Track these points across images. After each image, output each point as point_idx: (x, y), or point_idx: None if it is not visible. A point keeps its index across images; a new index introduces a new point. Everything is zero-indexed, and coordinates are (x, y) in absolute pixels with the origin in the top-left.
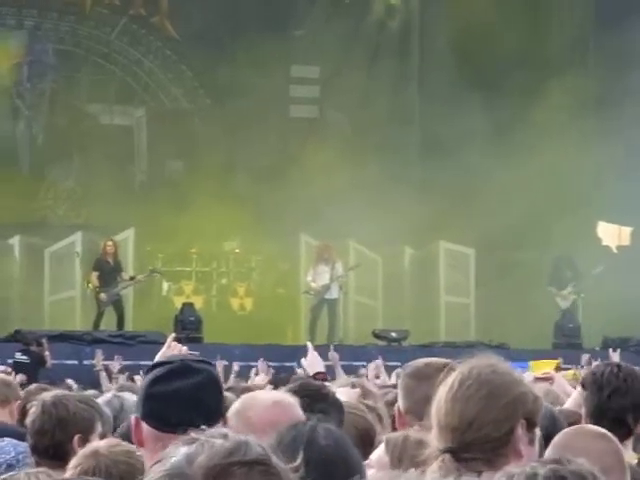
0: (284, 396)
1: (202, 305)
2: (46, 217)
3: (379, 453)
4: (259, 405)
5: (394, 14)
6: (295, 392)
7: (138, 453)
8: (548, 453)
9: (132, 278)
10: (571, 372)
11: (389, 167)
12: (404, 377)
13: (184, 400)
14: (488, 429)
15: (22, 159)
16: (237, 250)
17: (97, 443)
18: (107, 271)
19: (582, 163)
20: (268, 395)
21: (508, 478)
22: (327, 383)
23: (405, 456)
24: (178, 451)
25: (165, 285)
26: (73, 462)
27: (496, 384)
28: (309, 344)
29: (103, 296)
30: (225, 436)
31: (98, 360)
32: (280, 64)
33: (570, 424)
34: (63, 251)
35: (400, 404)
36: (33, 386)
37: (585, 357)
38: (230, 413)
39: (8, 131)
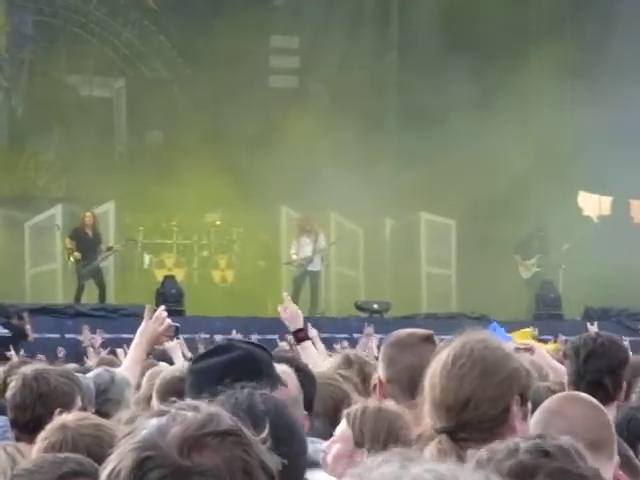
0: (283, 366)
1: (183, 278)
2: (26, 190)
3: (342, 427)
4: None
5: None
6: None
7: (108, 427)
8: (536, 418)
9: (109, 249)
10: (553, 345)
11: (370, 138)
12: (386, 347)
13: (216, 374)
14: (484, 407)
15: (1, 131)
16: (218, 222)
17: (65, 416)
18: (86, 243)
19: (563, 132)
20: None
21: (491, 453)
22: (307, 341)
23: (366, 429)
24: (148, 423)
25: (146, 258)
26: (41, 435)
27: (490, 361)
28: (285, 294)
29: (83, 271)
30: (196, 408)
31: (85, 336)
32: (260, 34)
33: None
34: (43, 224)
35: (381, 374)
36: (15, 359)
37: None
38: None
39: None
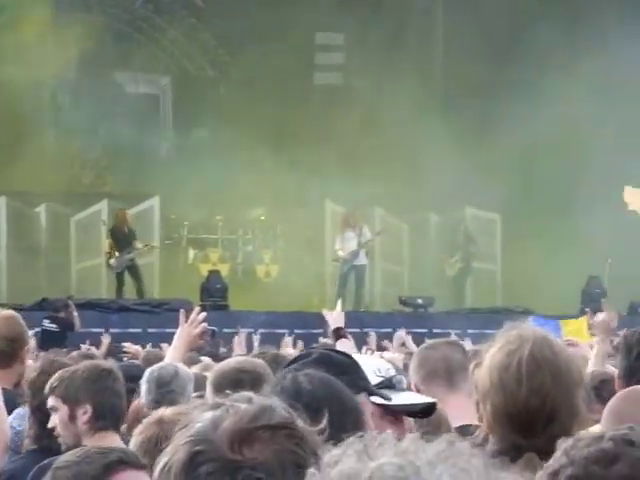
0: (388, 355)
1: (228, 272)
2: (72, 186)
3: None
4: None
5: None
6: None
7: None
8: (606, 420)
9: (144, 246)
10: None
11: (414, 133)
12: (417, 354)
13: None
14: (566, 419)
15: (48, 128)
16: (263, 217)
17: (163, 411)
18: (123, 240)
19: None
20: (370, 358)
21: (575, 441)
22: (345, 339)
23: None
24: (203, 416)
25: (191, 253)
26: (138, 429)
27: (564, 370)
28: (339, 302)
29: (113, 262)
30: (250, 400)
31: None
32: (305, 31)
33: (602, 382)
34: (89, 219)
35: (414, 379)
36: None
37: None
38: None
39: (35, 100)
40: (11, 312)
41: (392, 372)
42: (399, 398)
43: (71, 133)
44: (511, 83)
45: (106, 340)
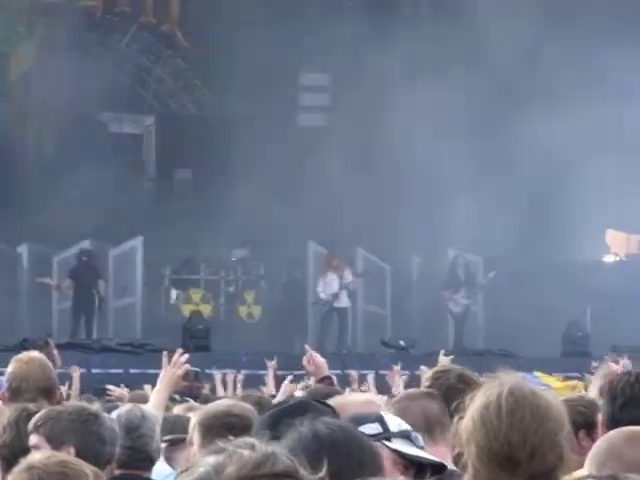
0: (371, 395)
1: (210, 313)
2: (54, 225)
3: None
4: (354, 404)
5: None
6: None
7: (74, 463)
8: (591, 455)
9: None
10: (581, 384)
11: (397, 176)
12: (395, 403)
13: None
14: (549, 456)
15: (31, 168)
16: (245, 258)
17: (32, 456)
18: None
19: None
20: (358, 396)
21: None
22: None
23: None
24: (206, 461)
25: (173, 293)
26: (9, 478)
27: (544, 407)
28: (307, 346)
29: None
30: (252, 447)
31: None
32: (289, 72)
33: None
34: (71, 259)
35: None
36: None
37: (594, 364)
38: None
39: (17, 139)
40: (41, 356)
41: (410, 428)
42: (413, 451)
43: (54, 172)
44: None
45: (76, 374)
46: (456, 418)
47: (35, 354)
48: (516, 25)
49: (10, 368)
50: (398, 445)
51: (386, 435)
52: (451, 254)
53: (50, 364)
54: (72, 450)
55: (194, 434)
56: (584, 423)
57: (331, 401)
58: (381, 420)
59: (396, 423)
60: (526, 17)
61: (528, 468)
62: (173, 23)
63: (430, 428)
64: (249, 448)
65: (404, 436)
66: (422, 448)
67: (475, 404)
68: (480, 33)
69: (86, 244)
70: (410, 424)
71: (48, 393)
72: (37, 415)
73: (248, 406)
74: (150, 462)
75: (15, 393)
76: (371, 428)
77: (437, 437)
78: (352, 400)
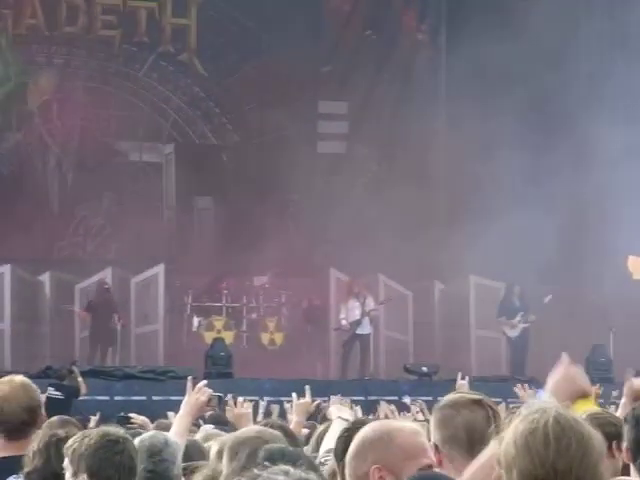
0: (415, 424)
1: (232, 340)
2: (75, 253)
3: None
4: (405, 432)
5: (421, 49)
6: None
7: None
8: None
9: None
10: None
11: (418, 201)
12: (438, 410)
13: None
14: None
15: (51, 196)
16: (267, 285)
17: None
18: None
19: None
20: (404, 424)
21: None
22: None
23: None
24: None
25: (195, 321)
26: None
27: (587, 437)
28: (307, 387)
29: None
30: (287, 473)
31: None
32: (308, 100)
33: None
34: (93, 287)
35: (435, 437)
36: (55, 419)
37: (614, 393)
38: (370, 443)
39: (38, 169)
40: (24, 378)
41: None
42: None
43: (74, 201)
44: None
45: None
46: (494, 441)
47: (17, 377)
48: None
49: None
50: None
51: None
52: (473, 280)
53: (34, 385)
54: (84, 477)
55: (224, 459)
56: (616, 434)
57: (378, 426)
58: None
59: None
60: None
61: None
62: (191, 52)
63: (472, 441)
64: (284, 474)
65: None
66: None
67: (516, 429)
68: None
69: (108, 272)
70: (451, 434)
71: (31, 413)
72: (71, 439)
73: (277, 432)
74: None
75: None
76: None
77: (477, 453)
78: (399, 427)
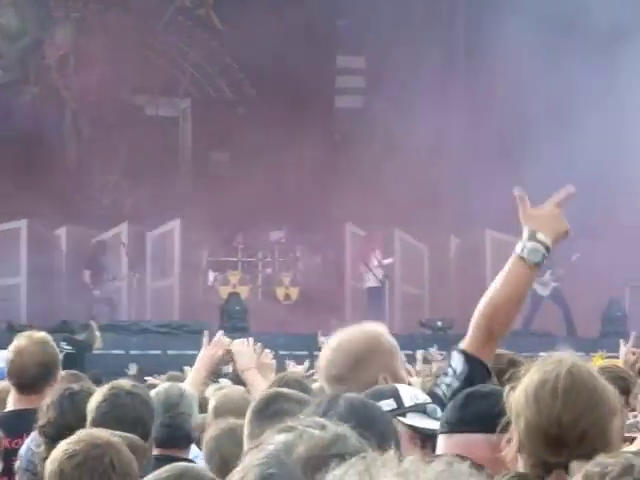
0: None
1: (247, 295)
2: (91, 208)
3: None
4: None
5: (440, 2)
6: None
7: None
8: None
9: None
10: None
11: (435, 157)
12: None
13: None
14: (597, 440)
15: (68, 152)
16: (283, 240)
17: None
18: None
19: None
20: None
21: (602, 468)
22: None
23: None
24: (275, 439)
25: (210, 275)
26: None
27: (601, 389)
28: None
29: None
30: (323, 427)
31: None
32: (325, 54)
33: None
34: (109, 242)
35: None
36: (63, 373)
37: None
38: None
39: (55, 123)
40: (43, 335)
41: (427, 400)
42: (430, 424)
43: (91, 155)
44: None
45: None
46: (507, 388)
47: (38, 333)
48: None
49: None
50: (412, 420)
51: (400, 411)
52: (489, 234)
53: (52, 343)
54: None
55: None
56: (625, 389)
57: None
58: (396, 395)
59: (411, 396)
60: None
61: (574, 450)
62: (208, 7)
63: None
64: (320, 428)
65: (419, 410)
66: (439, 419)
67: (530, 379)
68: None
69: (124, 227)
70: None
71: (45, 369)
72: None
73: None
74: (188, 441)
75: (12, 367)
76: (386, 404)
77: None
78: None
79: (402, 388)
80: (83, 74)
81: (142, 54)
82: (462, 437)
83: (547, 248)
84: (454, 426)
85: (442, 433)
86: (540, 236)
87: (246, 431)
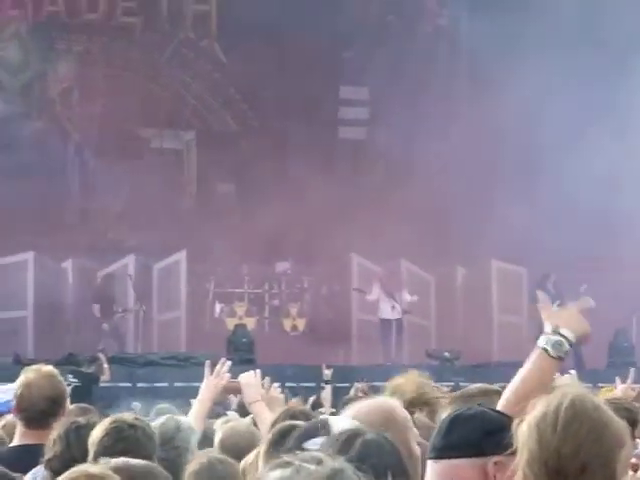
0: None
1: (254, 326)
2: (96, 241)
3: None
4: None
5: (442, 34)
6: None
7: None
8: None
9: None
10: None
11: (439, 188)
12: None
13: None
14: (599, 472)
15: (72, 184)
16: (289, 271)
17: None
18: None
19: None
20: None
21: None
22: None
23: None
24: (273, 474)
25: (217, 307)
26: None
27: (605, 422)
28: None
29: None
30: (320, 462)
31: None
32: (329, 86)
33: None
34: (115, 274)
35: None
36: (73, 407)
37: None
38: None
39: (59, 156)
40: (52, 369)
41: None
42: None
43: (96, 188)
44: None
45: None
46: (516, 421)
47: (46, 367)
48: None
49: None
50: None
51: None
52: (495, 265)
53: (60, 377)
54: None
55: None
56: (630, 420)
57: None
58: (327, 430)
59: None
60: None
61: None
62: (212, 38)
63: None
64: (316, 463)
65: None
66: None
67: (535, 411)
68: None
69: (130, 259)
70: None
71: (53, 403)
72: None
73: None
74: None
75: (21, 401)
76: (315, 443)
77: None
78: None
79: (334, 421)
80: (86, 106)
81: (146, 86)
82: (448, 463)
83: (570, 343)
84: (440, 452)
85: (429, 459)
86: (564, 331)
87: (261, 463)
